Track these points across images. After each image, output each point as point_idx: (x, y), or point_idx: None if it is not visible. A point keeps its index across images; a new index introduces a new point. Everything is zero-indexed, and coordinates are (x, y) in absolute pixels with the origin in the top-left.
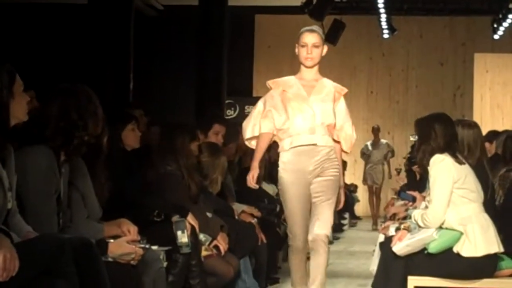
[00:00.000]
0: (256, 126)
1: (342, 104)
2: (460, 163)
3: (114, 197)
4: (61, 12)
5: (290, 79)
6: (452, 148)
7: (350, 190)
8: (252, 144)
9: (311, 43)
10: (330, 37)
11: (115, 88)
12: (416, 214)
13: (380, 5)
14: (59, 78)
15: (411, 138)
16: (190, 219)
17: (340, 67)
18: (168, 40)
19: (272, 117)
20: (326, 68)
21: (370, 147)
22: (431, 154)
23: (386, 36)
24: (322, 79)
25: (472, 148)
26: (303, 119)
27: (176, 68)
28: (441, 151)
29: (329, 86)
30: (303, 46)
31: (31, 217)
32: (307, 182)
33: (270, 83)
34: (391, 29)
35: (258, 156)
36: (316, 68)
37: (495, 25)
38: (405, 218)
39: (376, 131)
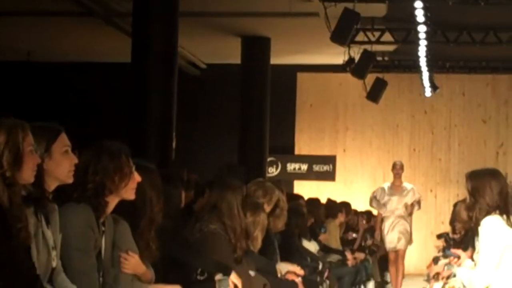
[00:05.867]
0: None
1: None
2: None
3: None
4: (105, 71)
5: None
6: (505, 208)
7: None
8: None
9: None
10: (372, 95)
11: (158, 147)
12: (461, 273)
13: (422, 63)
14: (102, 136)
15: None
16: (233, 277)
17: (382, 125)
18: (210, 98)
19: None
20: (368, 126)
21: (386, 192)
22: (486, 212)
23: (428, 94)
24: None
25: None
26: None
27: (219, 126)
28: (495, 209)
29: None
30: None
31: (71, 274)
32: None
33: None
34: (433, 87)
35: None
36: None
37: None
38: (449, 277)
39: (398, 169)
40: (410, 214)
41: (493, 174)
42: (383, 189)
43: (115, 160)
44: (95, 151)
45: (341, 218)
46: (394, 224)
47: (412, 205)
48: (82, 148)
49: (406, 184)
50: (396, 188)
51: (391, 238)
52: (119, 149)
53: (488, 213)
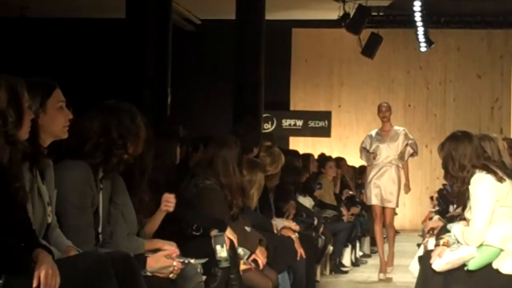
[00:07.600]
0: None
1: None
2: (501, 180)
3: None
4: (100, 27)
5: None
6: (485, 165)
7: None
8: None
9: None
10: (367, 51)
11: (153, 103)
12: (456, 229)
13: (417, 18)
14: (97, 93)
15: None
16: (229, 233)
17: (377, 81)
18: (205, 54)
19: None
20: (363, 81)
21: (374, 139)
22: (468, 170)
23: (423, 49)
24: None
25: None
26: None
27: (213, 82)
28: (477, 167)
29: None
30: None
31: (67, 230)
32: None
33: None
34: (428, 42)
35: None
36: None
37: None
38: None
39: (384, 111)
40: (402, 158)
41: (454, 140)
42: (370, 136)
43: (135, 122)
44: (113, 112)
45: (331, 173)
46: (381, 173)
47: (404, 150)
48: (81, 105)
49: (397, 128)
50: (385, 134)
51: (375, 191)
52: (136, 111)
53: (473, 171)
